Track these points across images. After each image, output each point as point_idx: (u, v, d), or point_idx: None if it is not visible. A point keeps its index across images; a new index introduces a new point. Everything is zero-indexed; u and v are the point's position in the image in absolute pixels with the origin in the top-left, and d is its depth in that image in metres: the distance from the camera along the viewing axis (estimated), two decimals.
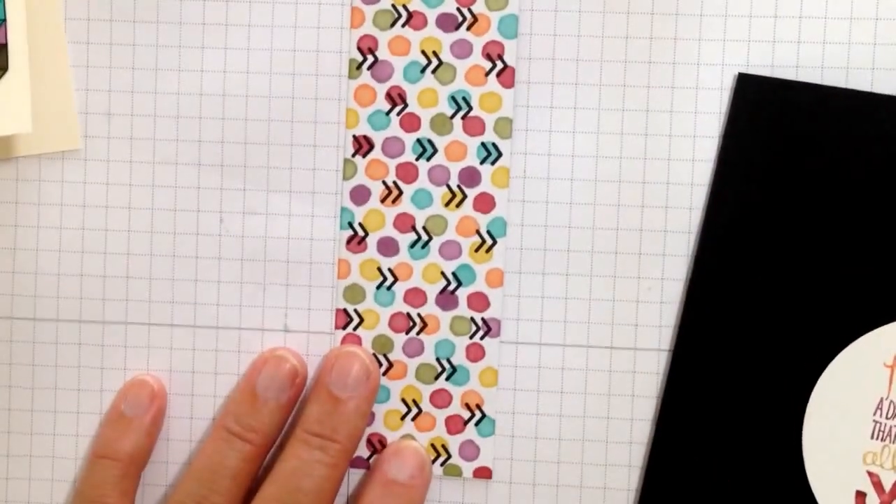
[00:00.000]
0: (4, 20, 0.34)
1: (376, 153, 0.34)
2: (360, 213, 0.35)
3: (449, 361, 0.34)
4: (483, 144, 0.34)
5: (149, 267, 0.35)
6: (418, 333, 0.35)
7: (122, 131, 0.35)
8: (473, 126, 0.34)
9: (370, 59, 0.34)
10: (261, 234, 0.35)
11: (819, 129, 0.32)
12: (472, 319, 0.34)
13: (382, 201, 0.34)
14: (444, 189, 0.34)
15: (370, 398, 0.34)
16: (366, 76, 0.34)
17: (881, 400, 0.32)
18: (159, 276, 0.35)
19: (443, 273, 0.34)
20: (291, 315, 0.35)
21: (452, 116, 0.34)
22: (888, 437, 0.31)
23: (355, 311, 0.35)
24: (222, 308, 0.35)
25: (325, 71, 0.34)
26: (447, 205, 0.34)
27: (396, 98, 0.34)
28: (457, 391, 0.34)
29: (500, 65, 0.34)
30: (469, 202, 0.34)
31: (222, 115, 0.35)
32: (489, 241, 0.34)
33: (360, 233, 0.35)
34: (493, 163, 0.34)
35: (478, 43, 0.34)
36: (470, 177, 0.34)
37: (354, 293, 0.35)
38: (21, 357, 0.36)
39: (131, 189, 0.35)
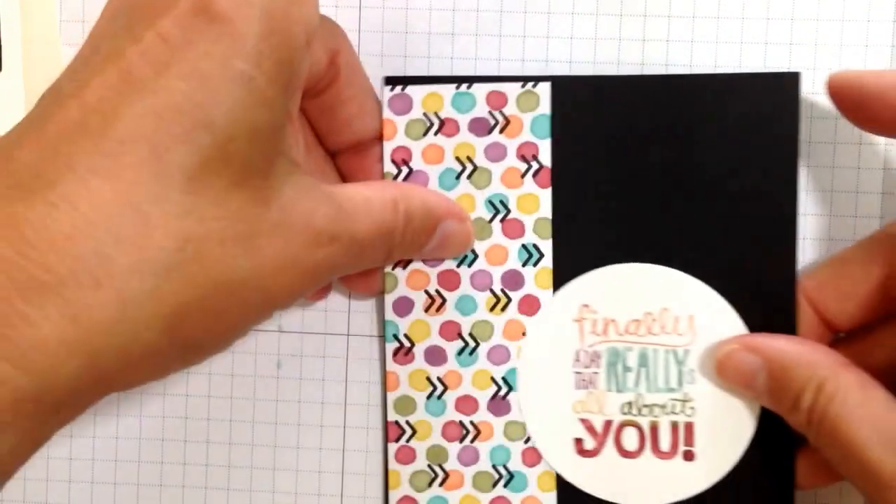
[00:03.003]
0: None
1: (416, 263, 0.34)
2: (404, 325, 0.34)
3: (505, 468, 0.34)
4: (524, 246, 0.34)
5: None
6: (472, 441, 0.34)
7: None
8: (513, 229, 0.34)
9: (405, 170, 0.33)
10: None
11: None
12: (526, 424, 0.34)
13: (426, 311, 0.34)
14: (488, 294, 0.34)
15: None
16: None
17: (577, 352, 0.33)
18: None
19: (492, 378, 0.34)
20: (285, 315, 0.35)
21: (491, 220, 0.34)
22: (590, 385, 0.33)
23: (407, 422, 0.34)
24: None
25: None
26: (492, 310, 0.34)
27: None
28: (516, 497, 0.34)
29: (535, 165, 0.33)
30: (514, 305, 0.34)
31: None
32: None
33: (407, 344, 0.34)
34: (535, 264, 0.34)
35: (511, 145, 0.33)
36: (513, 280, 0.34)
37: (405, 404, 0.34)
38: None
39: None
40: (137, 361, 0.23)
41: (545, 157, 0.33)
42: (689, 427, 0.33)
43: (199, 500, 0.36)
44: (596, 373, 0.33)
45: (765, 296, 0.33)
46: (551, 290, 0.34)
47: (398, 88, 0.33)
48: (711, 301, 0.33)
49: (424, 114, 0.33)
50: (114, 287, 0.22)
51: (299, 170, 0.26)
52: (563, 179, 0.33)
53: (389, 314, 0.34)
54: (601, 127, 0.33)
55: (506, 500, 0.34)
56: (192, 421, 0.36)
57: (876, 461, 0.26)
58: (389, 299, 0.34)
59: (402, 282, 0.34)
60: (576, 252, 0.33)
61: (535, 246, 0.34)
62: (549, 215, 0.33)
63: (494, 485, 0.34)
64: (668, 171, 0.33)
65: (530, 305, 0.34)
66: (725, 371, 0.32)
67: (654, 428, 0.33)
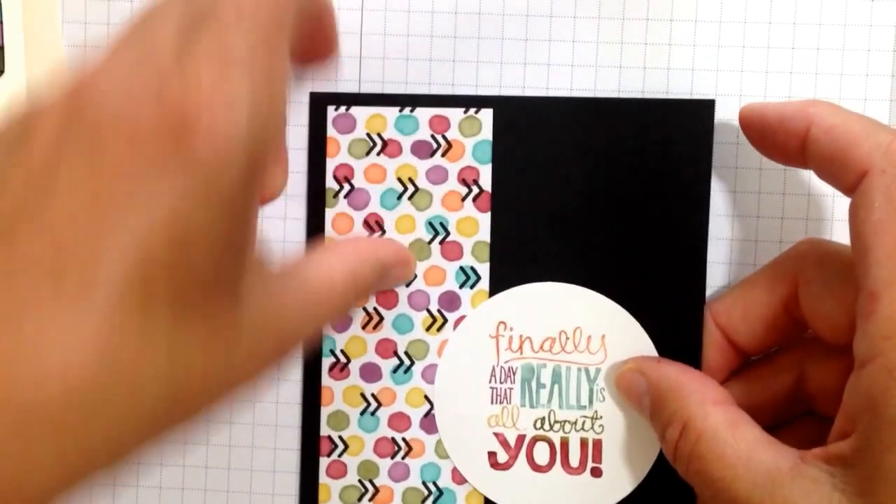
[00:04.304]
0: (1, 22, 0.34)
1: None
2: (341, 340, 0.35)
3: (435, 485, 0.35)
4: (462, 269, 0.34)
5: None
6: (403, 458, 0.35)
7: None
8: (451, 251, 0.34)
9: (346, 187, 0.34)
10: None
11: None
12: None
13: (363, 328, 0.35)
14: (425, 314, 0.34)
15: None
16: (342, 205, 0.34)
17: (493, 367, 0.34)
18: None
19: (426, 397, 0.35)
20: None
21: (430, 242, 0.34)
22: (505, 399, 0.34)
23: (340, 437, 0.35)
24: None
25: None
26: (428, 329, 0.34)
27: (374, 225, 0.34)
28: None
29: (475, 189, 0.34)
30: (449, 326, 0.34)
31: None
32: None
33: (343, 359, 0.35)
34: (472, 287, 0.34)
35: (453, 169, 0.34)
36: (450, 301, 0.34)
37: (338, 420, 0.35)
38: None
39: None
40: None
41: (486, 181, 0.34)
42: (597, 444, 0.34)
43: (198, 502, 0.36)
44: (511, 388, 0.34)
45: (674, 318, 0.33)
46: None
47: (342, 108, 0.34)
48: (623, 321, 0.34)
49: (367, 134, 0.34)
50: (107, 449, 0.21)
51: (263, 268, 0.24)
52: (502, 204, 0.34)
53: (327, 329, 0.35)
54: (536, 150, 0.34)
55: None
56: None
57: (744, 498, 0.27)
58: None
59: None
60: (507, 274, 0.34)
61: (472, 268, 0.34)
62: (488, 239, 0.34)
63: (424, 501, 0.35)
64: (589, 193, 0.33)
65: None
66: (620, 389, 0.33)
67: (565, 444, 0.34)
